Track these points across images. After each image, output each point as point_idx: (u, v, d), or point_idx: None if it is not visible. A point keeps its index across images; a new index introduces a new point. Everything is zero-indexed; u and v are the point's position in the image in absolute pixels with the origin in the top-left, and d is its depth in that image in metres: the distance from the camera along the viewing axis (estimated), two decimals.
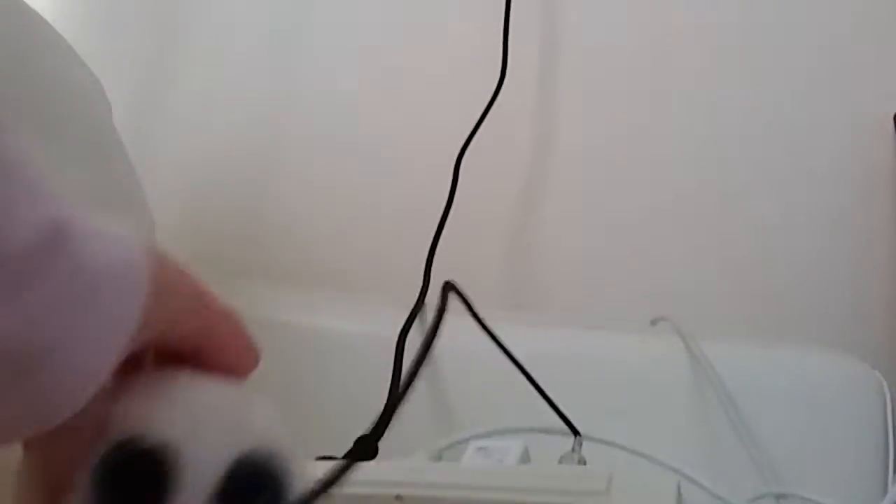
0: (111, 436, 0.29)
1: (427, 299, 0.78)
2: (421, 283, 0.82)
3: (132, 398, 0.31)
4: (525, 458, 0.54)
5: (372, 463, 0.48)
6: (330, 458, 0.50)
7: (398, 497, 0.45)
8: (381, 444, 0.44)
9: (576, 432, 0.58)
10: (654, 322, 0.81)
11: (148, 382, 0.31)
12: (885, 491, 0.68)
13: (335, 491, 0.36)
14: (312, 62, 1.09)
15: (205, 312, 0.32)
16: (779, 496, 0.65)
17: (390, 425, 0.44)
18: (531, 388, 0.63)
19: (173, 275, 0.31)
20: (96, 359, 0.27)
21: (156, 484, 0.29)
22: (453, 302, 0.70)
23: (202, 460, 0.29)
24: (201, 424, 0.30)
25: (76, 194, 0.26)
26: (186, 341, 0.32)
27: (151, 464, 0.29)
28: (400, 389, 0.40)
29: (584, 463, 0.54)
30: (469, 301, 0.72)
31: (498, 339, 0.67)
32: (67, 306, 0.25)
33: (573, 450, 0.55)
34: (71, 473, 0.29)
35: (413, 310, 0.74)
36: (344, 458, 0.48)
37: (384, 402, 0.53)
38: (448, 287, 0.71)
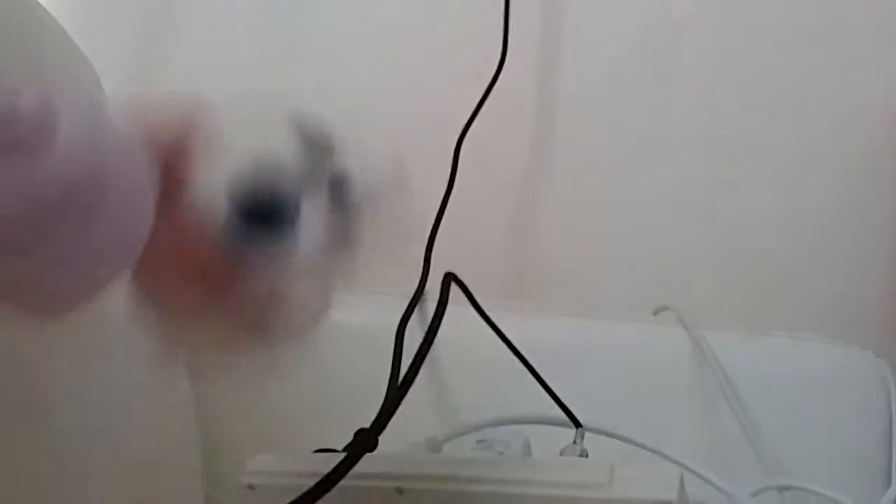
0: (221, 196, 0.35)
1: (427, 288, 0.77)
2: (420, 273, 0.81)
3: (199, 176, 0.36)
4: (526, 449, 0.54)
5: (372, 455, 0.48)
6: (330, 450, 0.50)
7: (398, 489, 0.44)
8: (382, 436, 0.43)
9: (577, 424, 0.57)
10: (656, 311, 0.80)
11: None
12: (889, 481, 0.67)
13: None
14: (308, 48, 1.08)
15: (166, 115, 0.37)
16: (782, 488, 0.65)
17: (391, 418, 0.43)
18: (533, 379, 0.62)
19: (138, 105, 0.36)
20: (134, 182, 0.31)
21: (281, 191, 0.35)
22: (454, 291, 0.69)
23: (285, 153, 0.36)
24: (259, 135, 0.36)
25: None
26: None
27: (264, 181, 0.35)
28: (400, 384, 0.40)
29: (586, 455, 0.53)
30: (470, 292, 0.72)
31: (499, 329, 0.67)
32: (87, 154, 0.29)
33: (575, 441, 0.55)
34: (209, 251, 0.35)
35: (412, 299, 0.73)
36: (344, 450, 0.48)
37: (384, 393, 0.52)
38: (449, 278, 0.70)
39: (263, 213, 0.36)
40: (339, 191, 0.38)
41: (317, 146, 0.39)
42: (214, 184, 0.36)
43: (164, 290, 0.37)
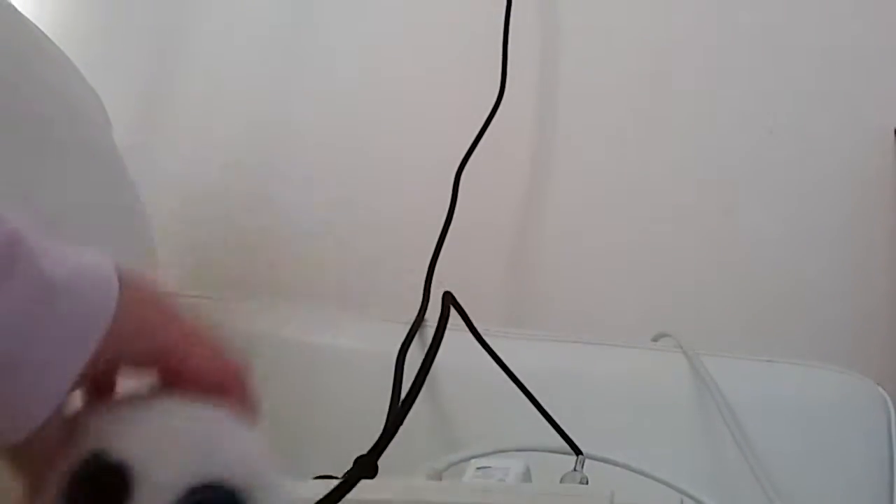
0: (80, 450, 0.30)
1: (427, 315, 0.77)
2: (421, 299, 0.81)
3: (102, 415, 0.31)
4: (527, 477, 0.54)
5: (372, 482, 0.48)
6: (330, 476, 0.49)
7: None
8: (382, 464, 0.43)
9: (578, 451, 0.57)
10: (655, 338, 0.80)
11: (120, 401, 0.32)
12: None
13: None
14: (312, 77, 1.09)
15: (171, 334, 0.32)
16: None
17: (390, 443, 0.43)
18: (533, 405, 0.62)
19: (144, 296, 0.31)
20: (58, 370, 0.27)
21: (117, 499, 0.29)
22: (454, 319, 0.69)
23: (161, 483, 0.29)
24: (166, 446, 0.30)
25: (72, 216, 0.27)
26: (157, 361, 0.32)
27: (114, 480, 0.29)
28: (401, 404, 0.40)
29: (586, 482, 0.53)
30: (467, 315, 0.72)
31: (498, 356, 0.67)
32: (25, 317, 0.26)
33: (575, 469, 0.54)
34: (40, 484, 0.30)
35: (413, 325, 0.73)
36: (344, 476, 0.48)
37: (384, 419, 0.52)
38: (447, 298, 0.70)
39: None
40: None
41: None
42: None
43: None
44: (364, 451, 0.45)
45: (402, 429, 0.42)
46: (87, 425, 0.31)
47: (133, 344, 0.31)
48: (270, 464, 0.33)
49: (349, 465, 0.48)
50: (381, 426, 0.46)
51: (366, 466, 0.43)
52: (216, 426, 0.32)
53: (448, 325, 0.65)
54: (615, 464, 0.59)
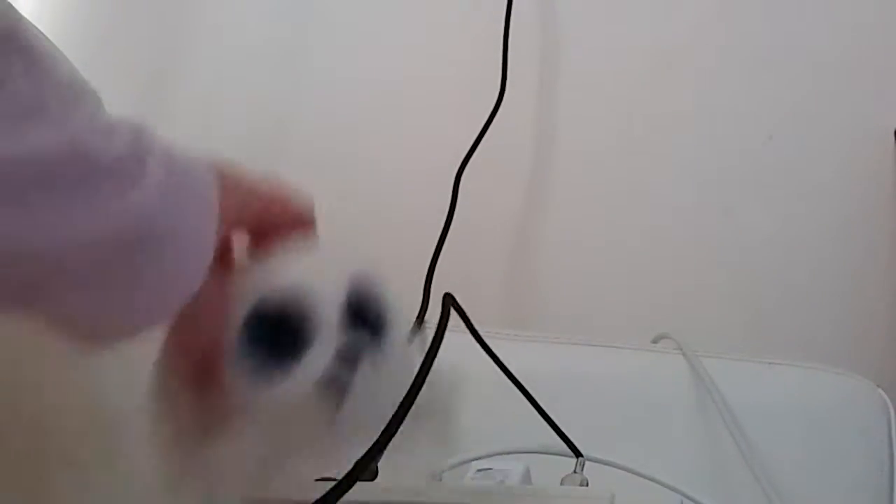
0: (244, 301, 0.35)
1: (427, 316, 0.77)
2: (420, 301, 0.81)
3: (249, 271, 0.37)
4: (527, 479, 0.54)
5: (372, 484, 0.48)
6: (329, 479, 0.49)
7: None
8: (382, 467, 0.43)
9: (578, 453, 0.57)
10: (655, 339, 0.80)
11: (252, 260, 0.37)
12: None
13: None
14: (312, 78, 1.09)
15: (264, 196, 0.39)
16: None
17: (390, 444, 0.43)
18: (533, 407, 0.62)
19: (229, 171, 0.36)
20: (205, 233, 0.32)
21: (296, 327, 0.34)
22: (453, 320, 0.69)
23: (326, 293, 0.35)
24: (312, 271, 0.37)
25: None
26: (258, 223, 0.38)
27: (287, 312, 0.35)
28: (400, 406, 0.40)
29: (587, 484, 0.53)
30: (467, 316, 0.72)
31: (497, 357, 0.67)
32: (171, 191, 0.30)
33: (575, 470, 0.54)
34: (213, 346, 0.35)
35: (413, 327, 0.73)
36: (344, 479, 0.48)
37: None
38: (448, 299, 0.70)
39: (281, 339, 0.35)
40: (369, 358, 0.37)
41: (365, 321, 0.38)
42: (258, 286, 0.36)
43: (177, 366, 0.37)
44: (364, 454, 0.45)
45: (401, 431, 0.42)
46: (237, 285, 0.35)
47: (237, 213, 0.35)
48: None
49: (349, 467, 0.48)
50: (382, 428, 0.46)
51: (365, 468, 0.43)
52: (327, 248, 0.41)
53: (448, 327, 0.65)
54: (616, 466, 0.59)
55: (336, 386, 0.35)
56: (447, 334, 0.60)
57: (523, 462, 0.55)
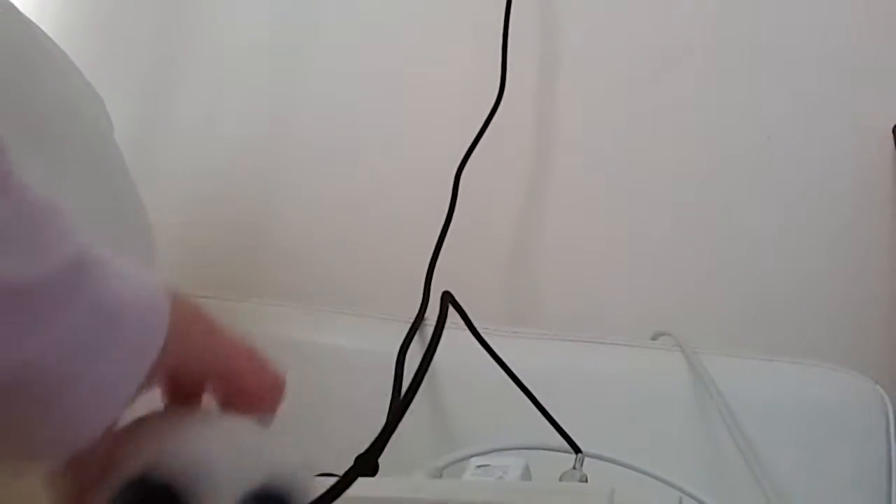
0: (127, 470, 0.30)
1: (427, 314, 0.78)
2: (421, 298, 0.81)
3: (148, 433, 0.32)
4: (526, 475, 0.54)
5: (373, 480, 0.48)
6: (331, 475, 0.50)
7: None
8: (382, 463, 0.43)
9: (577, 449, 0.57)
10: (654, 337, 0.81)
11: (164, 418, 0.32)
12: None
13: None
14: (313, 79, 1.10)
15: (222, 351, 0.33)
16: None
17: (390, 441, 0.43)
18: (532, 404, 0.62)
19: (189, 314, 0.32)
20: (119, 386, 0.28)
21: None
22: (453, 318, 0.70)
23: (215, 494, 0.30)
24: (215, 459, 0.31)
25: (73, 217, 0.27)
26: (203, 379, 0.33)
27: (168, 497, 0.30)
28: (401, 399, 0.40)
29: (586, 480, 0.53)
30: (466, 314, 0.72)
31: (497, 355, 0.67)
32: (90, 337, 0.27)
33: (574, 467, 0.55)
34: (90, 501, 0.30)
35: (413, 325, 0.74)
36: (345, 475, 0.48)
37: (385, 418, 0.52)
38: (447, 297, 0.71)
39: None
40: None
41: None
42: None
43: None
44: (365, 450, 0.45)
45: (402, 427, 0.42)
46: (131, 444, 0.31)
47: (186, 362, 0.32)
48: (309, 468, 0.34)
49: (350, 464, 0.48)
50: (382, 425, 0.47)
51: (366, 464, 0.43)
52: (257, 435, 0.33)
53: (448, 324, 0.66)
54: (614, 462, 0.59)
55: None
56: (447, 332, 0.61)
57: (523, 458, 0.55)
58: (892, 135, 0.98)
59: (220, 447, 0.31)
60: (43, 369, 0.26)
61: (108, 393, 0.28)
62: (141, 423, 0.32)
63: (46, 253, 0.26)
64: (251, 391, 0.34)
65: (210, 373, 0.33)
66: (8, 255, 0.25)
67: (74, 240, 0.27)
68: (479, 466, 0.54)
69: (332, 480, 0.39)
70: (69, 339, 0.26)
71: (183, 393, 0.33)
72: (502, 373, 0.66)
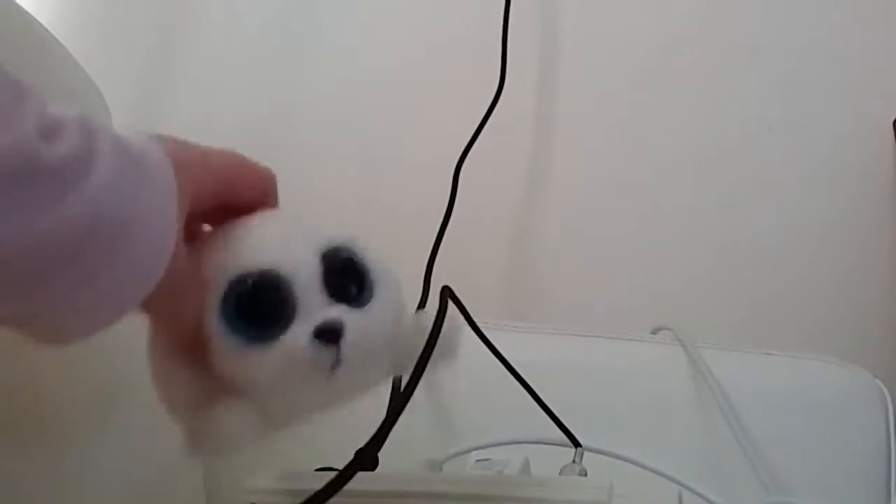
0: (221, 277, 0.35)
1: (427, 308, 0.78)
2: (420, 293, 0.81)
3: (219, 247, 0.36)
4: (526, 469, 0.54)
5: (373, 474, 0.48)
6: (331, 469, 0.50)
7: None
8: (382, 457, 0.43)
9: (576, 443, 0.57)
10: (654, 331, 0.81)
11: (219, 235, 0.37)
12: (887, 499, 0.68)
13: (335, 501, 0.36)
14: (311, 73, 1.09)
15: (220, 168, 0.38)
16: None
17: (391, 435, 0.43)
18: (532, 398, 0.62)
19: (181, 150, 0.35)
20: (163, 221, 0.31)
21: (278, 300, 0.34)
22: (452, 312, 0.69)
23: (302, 264, 0.35)
24: (285, 241, 0.36)
25: None
26: (218, 198, 0.37)
27: (267, 285, 0.35)
28: (401, 391, 0.40)
29: (585, 474, 0.53)
30: (465, 308, 0.72)
31: (496, 349, 0.67)
32: (125, 183, 0.30)
33: (574, 461, 0.55)
34: (193, 328, 0.35)
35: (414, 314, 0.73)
36: (345, 469, 0.48)
37: (384, 411, 0.52)
38: (447, 292, 0.70)
39: (262, 310, 0.35)
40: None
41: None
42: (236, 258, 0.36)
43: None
44: (365, 444, 0.45)
45: (402, 422, 0.42)
46: (210, 259, 0.35)
47: (196, 190, 0.35)
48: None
49: (350, 458, 0.48)
50: (381, 418, 0.47)
51: (366, 458, 0.43)
52: (295, 216, 0.39)
53: (447, 319, 0.65)
54: (614, 456, 0.59)
55: (320, 361, 0.35)
56: (446, 326, 0.61)
57: (522, 452, 0.55)
58: (892, 128, 0.98)
59: (286, 230, 0.37)
60: (98, 219, 0.29)
61: (157, 228, 0.31)
62: (209, 240, 0.37)
63: (63, 127, 0.29)
64: (255, 187, 0.39)
65: (220, 188, 0.37)
66: (36, 134, 0.27)
67: (76, 116, 0.29)
68: (479, 460, 0.54)
69: (332, 474, 0.39)
70: (106, 190, 0.29)
71: (204, 215, 0.37)
72: (502, 367, 0.66)
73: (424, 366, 0.39)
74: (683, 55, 1.02)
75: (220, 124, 1.09)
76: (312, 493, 0.36)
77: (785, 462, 0.69)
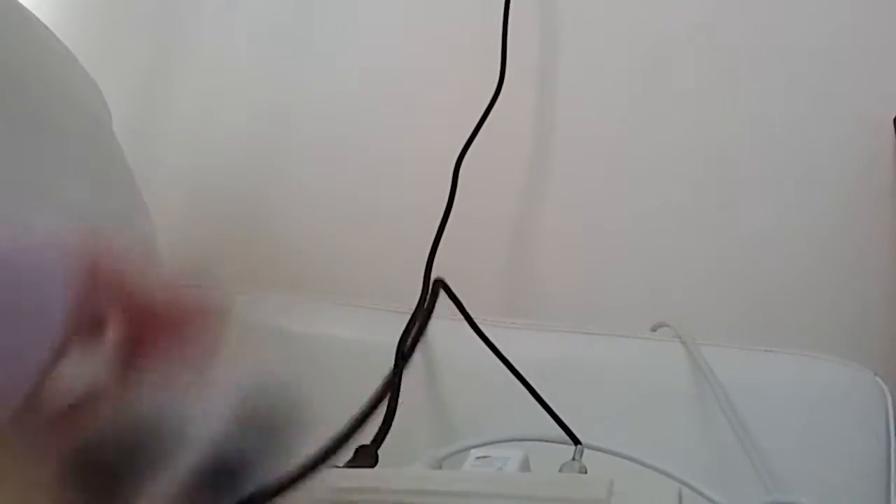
0: (89, 432, 0.28)
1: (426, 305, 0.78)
2: (420, 289, 0.81)
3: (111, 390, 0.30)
4: (525, 466, 0.54)
5: (373, 471, 0.48)
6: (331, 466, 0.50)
7: None
8: (382, 454, 0.43)
9: (576, 441, 0.57)
10: (654, 328, 0.81)
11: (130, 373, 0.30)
12: (887, 498, 0.68)
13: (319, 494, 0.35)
14: (311, 70, 1.09)
15: (140, 285, 0.31)
16: None
17: (390, 432, 0.44)
18: (531, 395, 0.62)
19: (114, 264, 0.30)
20: (30, 345, 0.26)
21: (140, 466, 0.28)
22: (453, 309, 0.69)
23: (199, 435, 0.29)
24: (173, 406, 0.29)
25: (71, 207, 0.26)
26: (130, 316, 0.31)
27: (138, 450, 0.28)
28: (381, 386, 0.40)
29: (585, 471, 0.53)
30: (461, 303, 0.72)
31: (495, 346, 0.67)
32: None
33: (574, 458, 0.55)
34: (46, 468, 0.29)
35: (412, 316, 0.74)
36: (345, 465, 0.48)
37: (384, 409, 0.53)
38: (438, 284, 0.70)
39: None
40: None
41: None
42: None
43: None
44: (365, 442, 0.45)
45: (402, 419, 0.42)
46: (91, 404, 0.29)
47: (104, 302, 0.29)
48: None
49: (350, 455, 0.48)
50: (382, 416, 0.47)
51: (366, 455, 0.43)
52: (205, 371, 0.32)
53: (446, 315, 0.66)
54: (614, 453, 0.59)
55: None
56: (446, 323, 0.61)
57: (522, 450, 0.55)
58: (892, 125, 0.98)
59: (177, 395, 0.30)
60: None
61: (22, 347, 0.26)
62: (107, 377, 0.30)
63: None
64: (180, 325, 0.32)
65: (130, 309, 0.31)
66: None
67: None
68: (479, 458, 0.54)
69: (332, 472, 0.39)
70: None
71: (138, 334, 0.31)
72: (501, 364, 0.66)
73: (409, 356, 0.39)
74: (683, 53, 1.02)
75: (220, 124, 1.09)
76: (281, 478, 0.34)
77: (785, 459, 0.69)
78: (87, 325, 0.28)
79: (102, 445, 0.28)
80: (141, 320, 0.31)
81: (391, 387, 0.39)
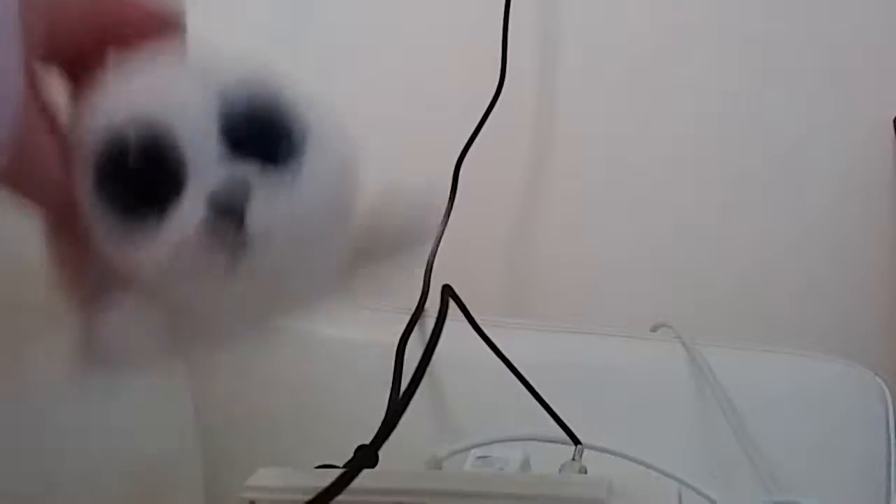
0: (88, 140, 0.27)
1: (427, 305, 0.78)
2: (420, 290, 0.81)
3: (87, 102, 0.28)
4: (526, 466, 0.54)
5: (373, 471, 0.48)
6: (331, 466, 0.50)
7: None
8: (382, 454, 0.43)
9: (576, 441, 0.58)
10: (654, 328, 0.81)
11: (89, 86, 0.28)
12: (887, 498, 0.68)
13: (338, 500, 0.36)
14: (311, 69, 1.09)
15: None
16: None
17: (391, 433, 0.44)
18: (531, 395, 0.63)
19: None
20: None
21: (163, 164, 0.26)
22: (453, 310, 0.70)
23: (193, 111, 0.27)
24: (173, 84, 0.28)
25: None
26: (88, 37, 0.29)
27: (147, 145, 0.26)
28: (401, 397, 0.40)
29: (585, 471, 0.54)
30: (465, 307, 0.72)
31: (496, 347, 0.67)
32: None
33: (574, 458, 0.55)
34: (67, 200, 0.27)
35: (413, 316, 0.74)
36: (345, 466, 0.48)
37: (384, 409, 0.53)
38: (447, 291, 0.71)
39: (139, 184, 0.26)
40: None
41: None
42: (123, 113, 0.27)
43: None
44: (365, 441, 0.45)
45: (402, 419, 0.42)
46: (81, 111, 0.28)
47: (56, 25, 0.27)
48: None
49: (350, 455, 0.48)
50: (382, 416, 0.47)
51: (367, 456, 0.43)
52: (201, 59, 0.31)
53: (448, 316, 0.66)
54: (613, 453, 0.59)
55: (220, 238, 0.26)
56: (447, 324, 0.61)
57: (522, 450, 0.55)
58: (892, 126, 0.98)
59: (177, 71, 0.28)
60: None
61: None
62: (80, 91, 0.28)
63: None
64: (142, 19, 0.31)
65: (91, 19, 0.28)
66: None
67: None
68: (479, 458, 0.54)
69: (333, 471, 0.39)
70: None
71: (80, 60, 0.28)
72: (502, 364, 0.66)
73: (426, 367, 0.39)
74: (683, 54, 1.02)
75: None
76: (317, 492, 0.36)
77: (785, 459, 0.69)
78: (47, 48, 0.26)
79: (120, 153, 0.26)
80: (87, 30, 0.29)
81: (417, 380, 0.39)
